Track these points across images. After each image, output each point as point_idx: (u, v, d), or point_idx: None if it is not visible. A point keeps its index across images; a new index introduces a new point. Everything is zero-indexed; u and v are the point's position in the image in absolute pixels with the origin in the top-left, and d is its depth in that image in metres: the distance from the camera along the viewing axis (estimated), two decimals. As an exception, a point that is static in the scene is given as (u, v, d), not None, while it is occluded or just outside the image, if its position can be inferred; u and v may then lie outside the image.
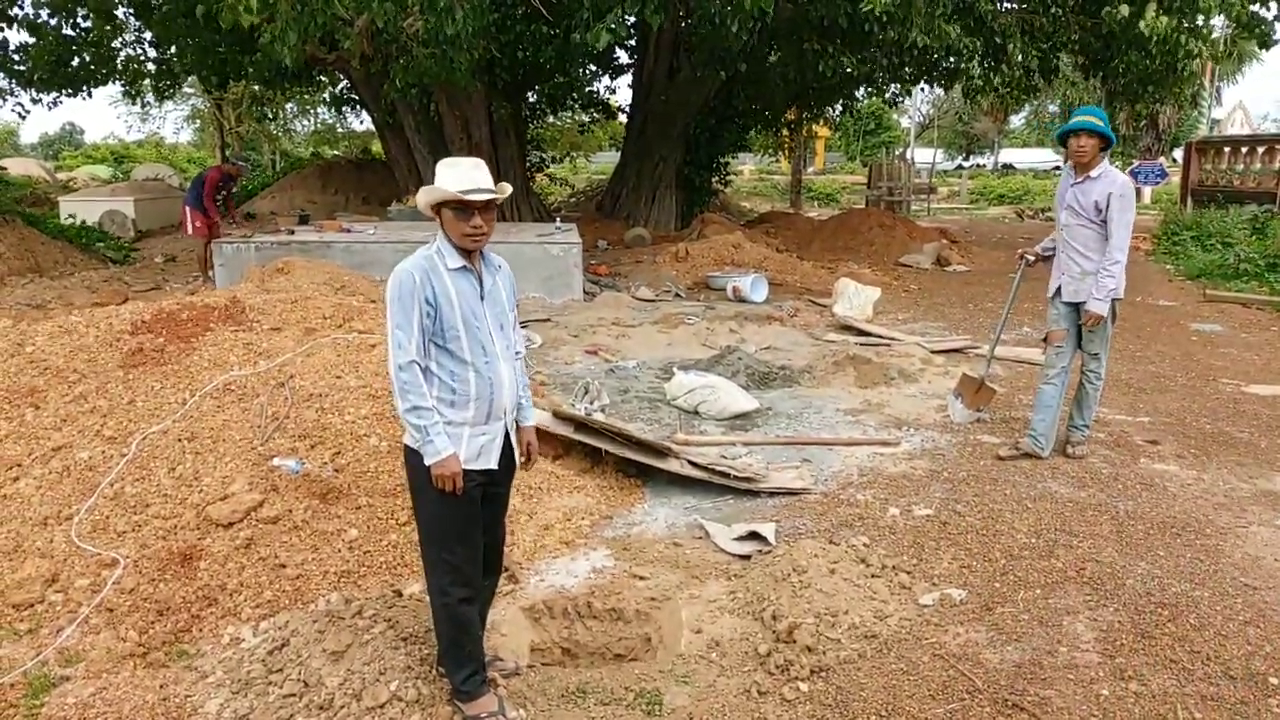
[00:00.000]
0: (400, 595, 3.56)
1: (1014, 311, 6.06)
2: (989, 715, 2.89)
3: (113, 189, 19.52)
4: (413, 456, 2.81)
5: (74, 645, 3.28)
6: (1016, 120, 57.76)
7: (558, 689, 3.09)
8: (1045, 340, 5.38)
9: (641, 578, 3.91)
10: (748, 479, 4.91)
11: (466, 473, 2.77)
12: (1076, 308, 5.07)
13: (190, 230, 11.18)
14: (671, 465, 4.94)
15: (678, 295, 11.08)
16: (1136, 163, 27.29)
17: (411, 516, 4.08)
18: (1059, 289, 5.15)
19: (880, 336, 8.51)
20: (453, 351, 2.75)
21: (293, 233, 11.05)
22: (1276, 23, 12.56)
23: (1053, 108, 52.32)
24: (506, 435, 2.93)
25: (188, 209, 11.33)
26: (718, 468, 4.93)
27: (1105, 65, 14.48)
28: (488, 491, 2.91)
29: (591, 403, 6.04)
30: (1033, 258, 5.63)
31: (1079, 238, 5.01)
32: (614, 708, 2.99)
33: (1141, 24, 10.44)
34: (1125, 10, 10.64)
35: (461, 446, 2.78)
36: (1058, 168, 50.19)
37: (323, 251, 9.79)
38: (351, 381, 4.85)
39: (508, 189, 2.84)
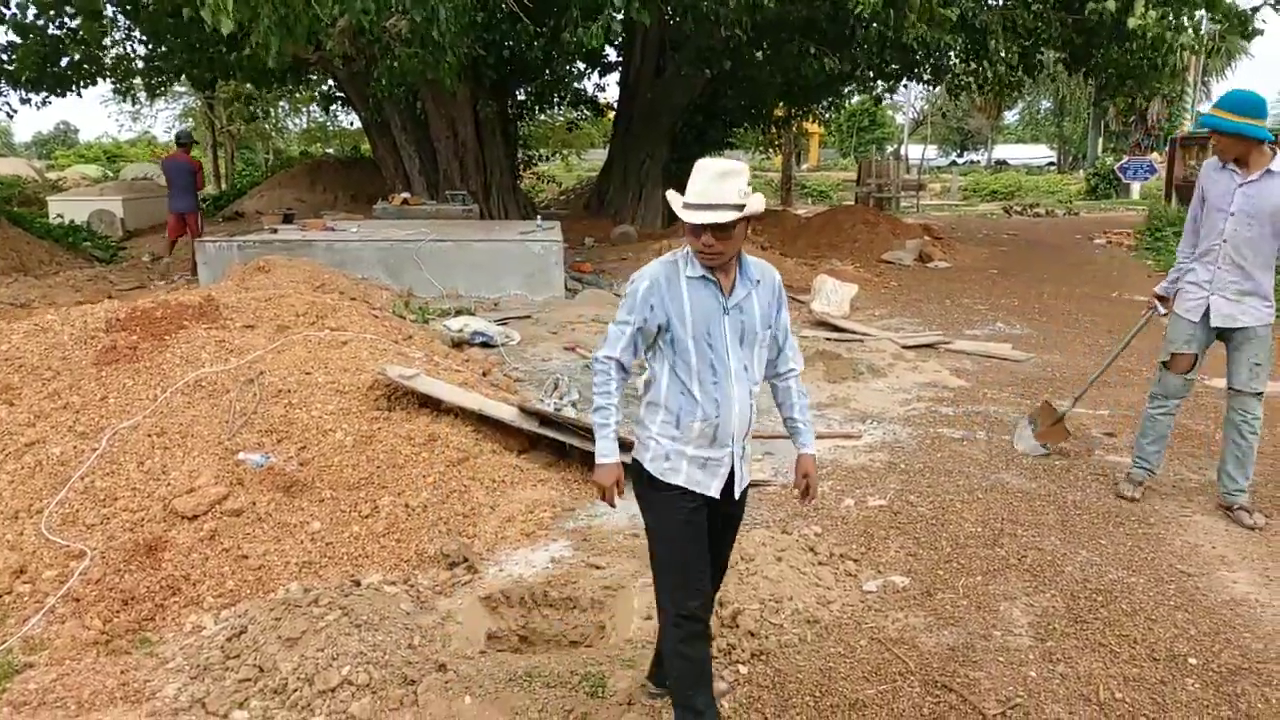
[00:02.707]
0: (358, 585, 3.66)
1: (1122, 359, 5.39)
2: (918, 695, 3.01)
3: (102, 188, 19.58)
4: (638, 483, 2.68)
5: (39, 634, 3.38)
6: (1011, 116, 57.92)
7: (506, 673, 3.19)
8: (1166, 366, 4.53)
9: (599, 567, 4.01)
10: (710, 472, 5.01)
11: (685, 492, 2.61)
12: (1219, 333, 4.33)
13: (199, 231, 11.66)
14: (635, 458, 5.04)
15: (659, 292, 11.17)
16: (1125, 158, 27.44)
17: (374, 509, 4.22)
18: (1207, 309, 4.29)
19: (853, 332, 8.62)
20: (682, 365, 2.56)
21: (275, 231, 11.13)
22: (1255, 14, 12.68)
23: (1046, 103, 52.56)
24: (737, 463, 2.65)
25: (199, 215, 12.16)
26: (680, 461, 5.03)
27: (1086, 61, 14.60)
28: (712, 521, 2.69)
29: (561, 398, 6.14)
30: (1162, 301, 4.61)
31: (1250, 249, 4.16)
32: (559, 690, 3.09)
33: (1131, 20, 10.54)
34: (1112, 5, 10.75)
35: (681, 468, 2.60)
36: (1052, 163, 50.35)
37: (305, 250, 9.87)
38: (320, 378, 4.95)
39: (756, 205, 2.45)
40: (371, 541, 4.01)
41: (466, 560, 3.97)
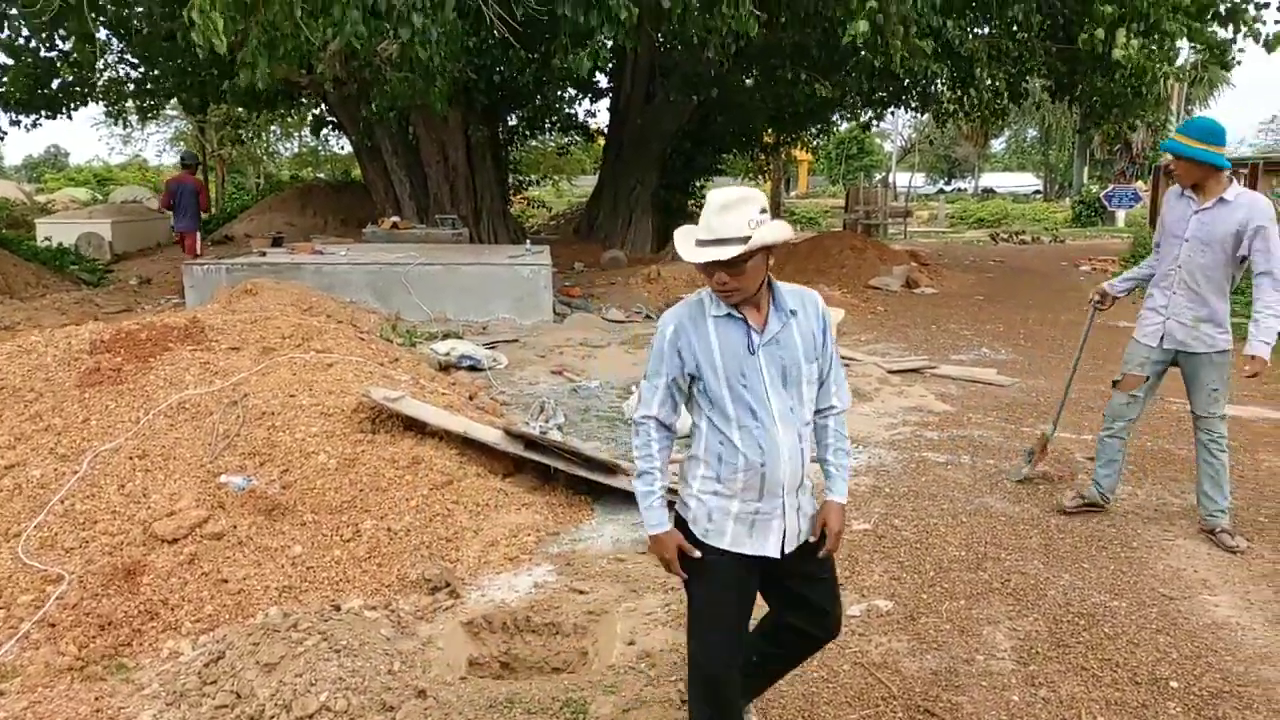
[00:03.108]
0: (338, 609, 3.63)
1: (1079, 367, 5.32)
2: (901, 721, 2.99)
3: (90, 211, 19.57)
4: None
5: (12, 660, 3.34)
6: (997, 144, 58.56)
7: (486, 699, 3.16)
8: (1116, 385, 4.60)
9: (582, 592, 3.99)
10: (695, 495, 5.00)
11: (735, 556, 2.39)
12: (1175, 356, 4.38)
13: (199, 250, 11.89)
14: (621, 482, 5.03)
15: (648, 316, 11.20)
16: (1111, 186, 27.79)
17: (356, 533, 4.19)
18: (1164, 334, 4.36)
19: (840, 356, 8.65)
20: (718, 414, 2.35)
21: (264, 254, 11.14)
22: (1233, 44, 12.89)
23: (1032, 132, 53.19)
24: (790, 516, 2.42)
25: (196, 236, 12.33)
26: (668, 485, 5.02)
27: (1071, 89, 14.80)
28: (783, 579, 2.50)
29: (546, 421, 6.13)
30: (1102, 299, 4.70)
31: (1204, 275, 4.23)
32: (540, 717, 3.07)
33: (1115, 50, 10.69)
34: (1100, 34, 10.91)
35: (726, 528, 2.38)
36: (1038, 191, 50.86)
37: (293, 273, 9.87)
38: (304, 400, 4.94)
39: (765, 236, 2.23)
40: (353, 566, 3.98)
41: (448, 585, 3.94)
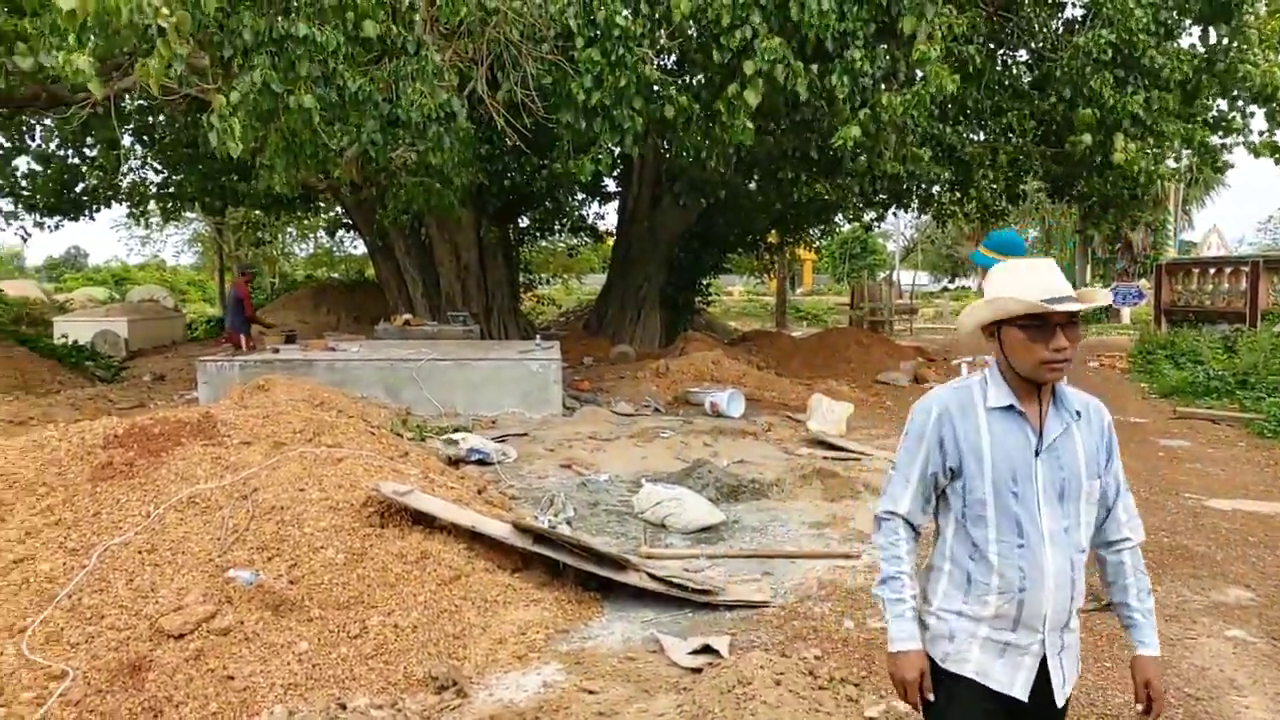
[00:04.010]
0: (344, 708, 3.56)
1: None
2: (924, 827, 2.88)
3: (107, 309, 19.96)
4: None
5: (11, 759, 3.26)
6: (998, 243, 59.43)
7: (494, 803, 3.07)
8: None
9: (591, 692, 3.90)
10: (706, 592, 4.93)
11: (976, 687, 2.05)
12: None
13: (243, 347, 12.65)
14: (631, 578, 4.97)
15: (657, 410, 11.24)
16: (1115, 284, 28.16)
17: (363, 629, 4.13)
18: None
19: (851, 451, 8.63)
20: (974, 520, 2.04)
21: (277, 351, 11.28)
22: (1225, 149, 13.30)
23: (1033, 232, 54.18)
24: (1051, 656, 2.05)
25: (239, 334, 13.17)
26: (676, 580, 4.96)
27: (1069, 190, 15.17)
28: None
29: (556, 515, 6.10)
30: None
31: None
32: (549, 822, 2.97)
33: (1116, 155, 11.03)
34: (1088, 139, 11.27)
35: (970, 654, 2.05)
36: (1040, 288, 51.39)
37: (305, 369, 9.99)
38: (314, 494, 4.94)
39: (1102, 297, 2.12)
40: (359, 663, 3.91)
41: (456, 684, 3.87)
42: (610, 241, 22.29)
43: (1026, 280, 2.02)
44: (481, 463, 7.85)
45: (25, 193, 14.95)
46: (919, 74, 9.81)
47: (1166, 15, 11.08)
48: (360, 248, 25.91)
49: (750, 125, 9.18)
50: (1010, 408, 2.04)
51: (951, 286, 57.16)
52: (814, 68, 9.30)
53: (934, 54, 9.14)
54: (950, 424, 2.06)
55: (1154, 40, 10.96)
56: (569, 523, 6.11)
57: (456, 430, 8.95)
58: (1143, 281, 27.82)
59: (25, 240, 40.99)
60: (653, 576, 4.98)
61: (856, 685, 3.81)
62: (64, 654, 3.79)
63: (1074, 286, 2.03)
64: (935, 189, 15.46)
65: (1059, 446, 2.04)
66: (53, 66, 5.78)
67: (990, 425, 2.04)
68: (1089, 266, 39.35)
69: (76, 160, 15.55)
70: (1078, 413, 2.09)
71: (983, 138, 14.33)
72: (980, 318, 2.07)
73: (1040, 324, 1.97)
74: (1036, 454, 2.02)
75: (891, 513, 2.14)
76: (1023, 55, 13.83)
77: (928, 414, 2.10)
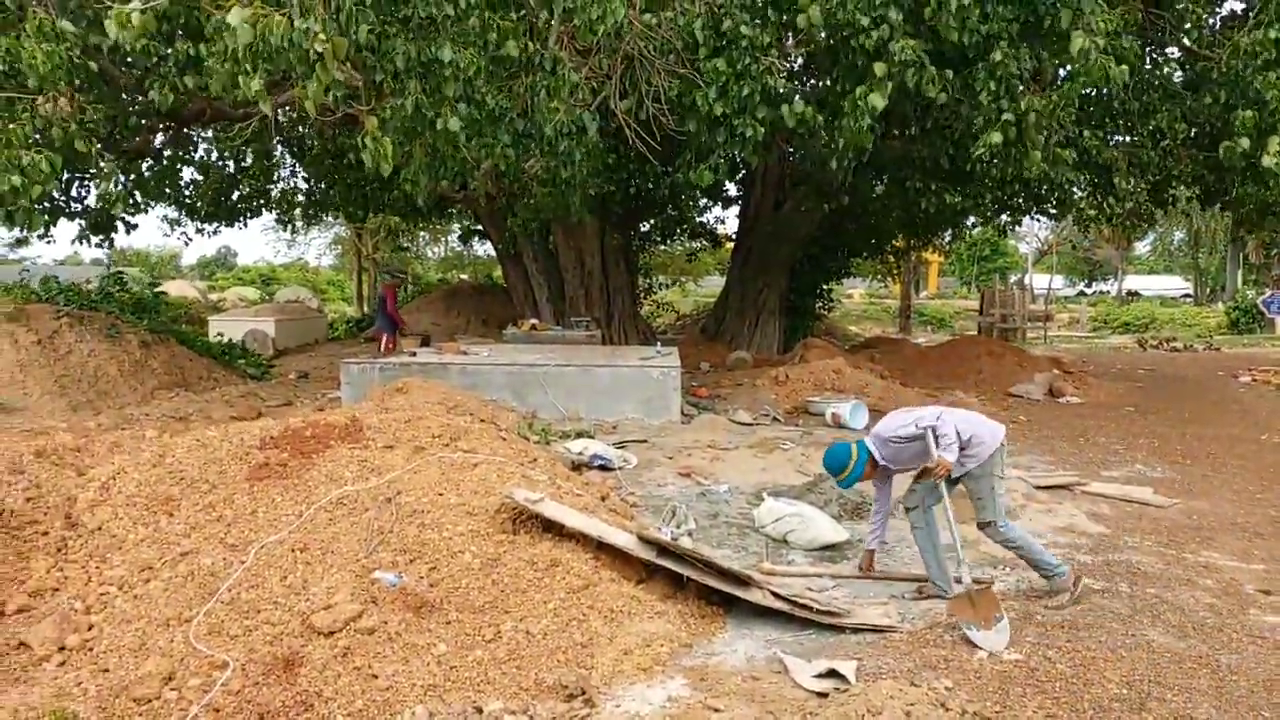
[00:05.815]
0: (480, 712, 3.71)
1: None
2: None
3: (256, 310, 21.28)
4: None
5: (183, 741, 3.55)
6: (1142, 247, 56.28)
7: (623, 816, 3.14)
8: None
9: (716, 710, 3.93)
10: (832, 614, 4.89)
11: None
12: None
13: (388, 347, 13.72)
14: (754, 595, 4.97)
15: (776, 420, 11.16)
16: (1269, 292, 26.21)
17: (497, 634, 4.28)
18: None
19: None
20: None
21: (414, 354, 11.79)
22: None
23: (1179, 234, 50.90)
24: None
25: (383, 334, 14.33)
26: (801, 600, 4.93)
27: (1220, 196, 14.21)
28: None
29: (678, 526, 6.15)
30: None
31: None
32: (677, 839, 3.02)
33: (1266, 158, 10.29)
34: (1245, 144, 10.55)
35: None
36: (1187, 295, 48.38)
37: (440, 373, 10.40)
38: (452, 499, 5.15)
39: None
40: (494, 667, 4.06)
41: (584, 693, 3.97)
42: (729, 246, 22.25)
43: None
44: (603, 468, 7.99)
45: (189, 201, 16.12)
46: (1062, 72, 9.38)
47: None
48: (489, 251, 26.79)
49: (868, 127, 8.99)
50: None
51: (1089, 291, 54.36)
52: (948, 73, 9.03)
53: (1098, 44, 8.66)
54: None
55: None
56: (690, 535, 6.16)
57: (579, 435, 9.14)
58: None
59: (187, 244, 44.21)
60: (776, 595, 4.96)
61: (990, 720, 3.70)
62: (224, 645, 4.09)
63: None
64: (1076, 192, 14.72)
65: None
66: (224, 87, 6.24)
67: None
68: (1240, 272, 36.73)
69: (232, 170, 16.66)
70: None
71: (1128, 140, 13.57)
72: None
73: None
74: None
75: None
76: (1174, 53, 13.04)
77: None
